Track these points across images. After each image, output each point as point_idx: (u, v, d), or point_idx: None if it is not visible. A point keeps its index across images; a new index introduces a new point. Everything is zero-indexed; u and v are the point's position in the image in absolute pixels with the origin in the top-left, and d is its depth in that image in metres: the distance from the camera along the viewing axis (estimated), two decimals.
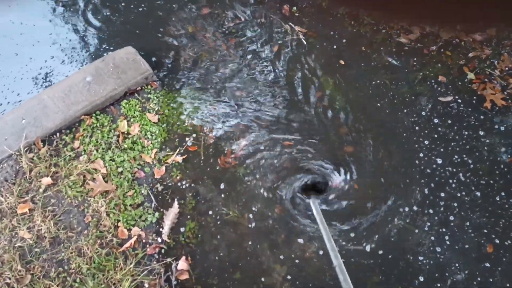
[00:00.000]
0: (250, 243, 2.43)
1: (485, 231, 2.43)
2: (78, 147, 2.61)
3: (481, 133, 2.71)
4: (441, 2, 3.19)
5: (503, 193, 2.52)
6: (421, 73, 2.97)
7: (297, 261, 2.38)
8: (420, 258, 2.37)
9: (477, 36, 3.09)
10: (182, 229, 2.46)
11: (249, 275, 2.35)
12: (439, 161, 2.64)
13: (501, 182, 2.56)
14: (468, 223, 2.44)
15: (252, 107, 2.85)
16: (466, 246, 2.39)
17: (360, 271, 2.35)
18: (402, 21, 3.19)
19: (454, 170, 2.60)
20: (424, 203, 2.52)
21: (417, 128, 2.75)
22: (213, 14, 3.27)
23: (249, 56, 3.07)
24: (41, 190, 2.45)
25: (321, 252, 2.39)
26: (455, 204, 2.50)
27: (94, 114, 2.71)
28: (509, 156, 2.60)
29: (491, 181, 2.56)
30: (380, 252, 2.39)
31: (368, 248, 2.40)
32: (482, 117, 2.77)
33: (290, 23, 3.19)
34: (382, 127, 2.78)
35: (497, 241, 2.39)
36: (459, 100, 2.84)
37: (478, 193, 2.53)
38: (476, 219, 2.44)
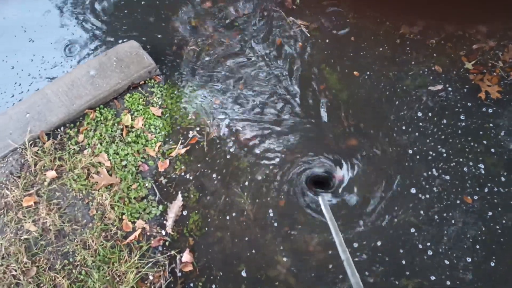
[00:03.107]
0: (253, 235, 2.44)
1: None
2: (82, 141, 2.62)
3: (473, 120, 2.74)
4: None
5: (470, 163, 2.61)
6: (425, 65, 2.95)
7: (300, 253, 2.39)
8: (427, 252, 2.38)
9: (482, 27, 3.07)
10: (186, 222, 2.47)
11: (252, 267, 2.37)
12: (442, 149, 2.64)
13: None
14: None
15: (255, 100, 2.85)
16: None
17: (364, 262, 2.36)
18: (405, 14, 3.17)
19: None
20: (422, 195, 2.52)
21: (418, 119, 2.75)
22: (216, 7, 3.26)
23: (251, 49, 3.07)
24: (46, 183, 2.47)
25: (324, 245, 2.40)
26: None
27: (97, 108, 2.73)
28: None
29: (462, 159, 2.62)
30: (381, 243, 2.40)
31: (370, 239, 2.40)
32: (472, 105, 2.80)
33: (293, 16, 3.18)
34: (385, 119, 2.77)
35: None
36: (460, 90, 2.85)
37: (448, 177, 2.58)
38: None
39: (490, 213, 2.46)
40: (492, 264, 2.34)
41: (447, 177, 2.56)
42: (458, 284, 2.29)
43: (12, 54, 3.08)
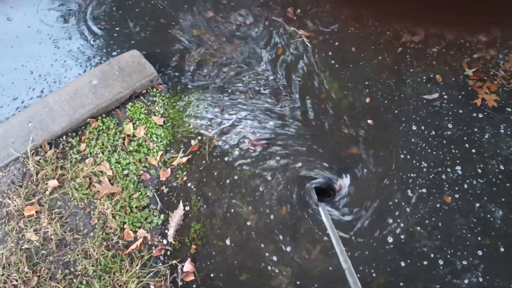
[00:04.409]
0: (255, 244, 2.43)
1: None
2: (84, 150, 2.63)
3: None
4: (444, 5, 3.19)
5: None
6: (425, 74, 2.97)
7: (302, 262, 2.38)
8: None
9: (482, 36, 3.08)
10: (187, 231, 2.46)
11: (254, 277, 2.35)
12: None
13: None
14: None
15: (256, 108, 2.86)
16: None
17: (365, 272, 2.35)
18: (406, 23, 3.19)
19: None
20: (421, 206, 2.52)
21: (412, 133, 2.76)
22: (218, 17, 3.29)
23: (253, 59, 3.09)
24: (47, 192, 2.47)
25: (326, 253, 2.39)
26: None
27: (100, 117, 2.73)
28: None
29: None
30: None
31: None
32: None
33: (294, 26, 3.20)
34: (386, 128, 2.78)
35: None
36: (455, 97, 2.89)
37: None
38: None
39: (477, 204, 2.51)
40: (502, 249, 2.38)
41: (424, 190, 2.58)
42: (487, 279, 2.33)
43: (33, 59, 3.10)
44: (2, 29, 3.24)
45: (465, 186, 2.57)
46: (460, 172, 2.61)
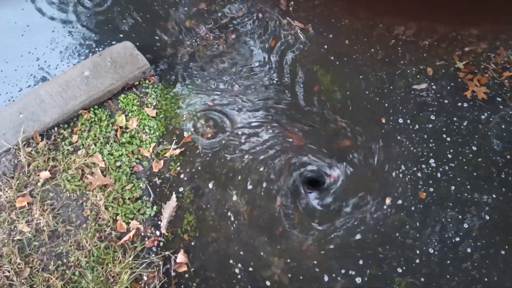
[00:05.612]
0: (248, 236, 2.45)
1: None
2: (76, 141, 2.62)
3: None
4: (443, 4, 3.22)
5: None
6: (417, 66, 2.98)
7: (294, 254, 2.40)
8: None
9: (473, 30, 3.11)
10: (180, 222, 2.47)
11: (247, 268, 2.37)
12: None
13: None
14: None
15: (249, 101, 2.86)
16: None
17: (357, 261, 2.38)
18: (399, 16, 3.20)
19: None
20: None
21: (399, 129, 2.79)
22: (210, 8, 3.27)
23: (246, 50, 3.08)
24: (39, 184, 2.46)
25: (318, 244, 2.41)
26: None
27: (92, 109, 2.72)
28: None
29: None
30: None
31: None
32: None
33: (288, 18, 3.20)
34: (379, 122, 2.80)
35: None
36: (443, 88, 2.93)
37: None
38: None
39: (453, 188, 2.57)
40: (487, 217, 2.49)
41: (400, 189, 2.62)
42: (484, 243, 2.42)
43: (43, 46, 3.08)
44: (12, 18, 3.20)
45: (439, 175, 2.62)
46: (434, 165, 2.65)
